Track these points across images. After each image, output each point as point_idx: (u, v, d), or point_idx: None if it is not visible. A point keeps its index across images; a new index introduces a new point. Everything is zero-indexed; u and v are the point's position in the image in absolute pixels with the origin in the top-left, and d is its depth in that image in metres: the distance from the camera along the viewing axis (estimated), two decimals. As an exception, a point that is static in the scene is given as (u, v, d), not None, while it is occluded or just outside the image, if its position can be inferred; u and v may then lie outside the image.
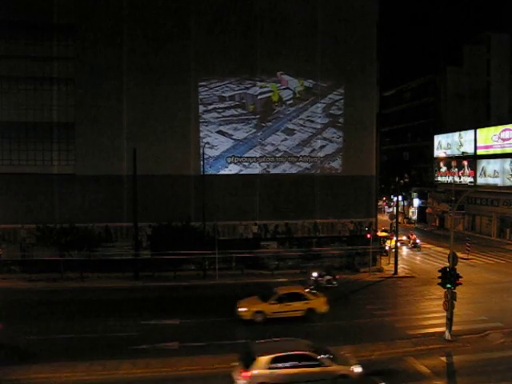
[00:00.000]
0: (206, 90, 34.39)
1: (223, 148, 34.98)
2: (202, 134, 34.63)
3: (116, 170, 33.11)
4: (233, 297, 26.00)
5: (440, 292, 23.33)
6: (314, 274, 29.07)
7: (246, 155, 35.26)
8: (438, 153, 56.17)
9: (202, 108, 34.50)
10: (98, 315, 23.47)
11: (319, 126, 35.94)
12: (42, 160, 32.77)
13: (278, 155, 35.58)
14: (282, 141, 35.70)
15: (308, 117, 35.81)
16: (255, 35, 34.49)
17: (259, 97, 35.22)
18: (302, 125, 35.79)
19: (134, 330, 20.94)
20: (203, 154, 33.42)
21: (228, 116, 34.95)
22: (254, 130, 35.34)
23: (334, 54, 35.38)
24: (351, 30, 35.55)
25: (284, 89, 35.44)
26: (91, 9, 32.81)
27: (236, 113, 35.06)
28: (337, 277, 29.76)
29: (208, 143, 34.65)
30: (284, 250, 34.90)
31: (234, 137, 35.19)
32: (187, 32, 33.73)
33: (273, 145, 35.61)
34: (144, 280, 30.98)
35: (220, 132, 34.95)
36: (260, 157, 35.11)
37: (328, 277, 29.14)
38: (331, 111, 36.01)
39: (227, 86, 34.63)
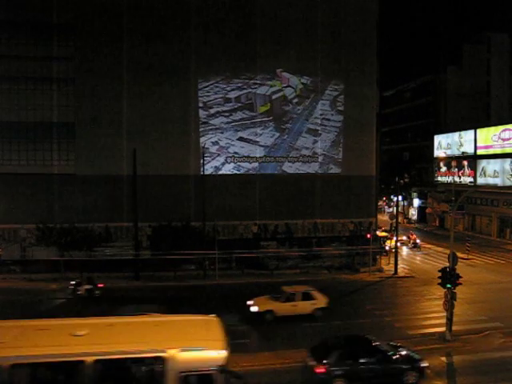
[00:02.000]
0: (208, 92, 34.31)
1: (258, 156, 34.99)
2: (222, 144, 34.38)
3: (116, 170, 33.11)
4: (233, 297, 26.04)
5: (440, 292, 23.34)
6: (72, 282, 27.06)
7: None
8: (438, 153, 56.18)
9: (204, 113, 34.24)
10: (97, 315, 23.40)
11: (339, 124, 35.91)
12: (42, 160, 32.78)
13: (320, 159, 35.62)
14: (314, 143, 35.59)
15: (321, 115, 35.71)
16: (255, 34, 34.49)
17: (273, 96, 35.10)
18: (321, 124, 35.65)
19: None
20: (203, 153, 33.41)
21: (238, 120, 34.65)
22: (278, 134, 35.17)
23: (334, 54, 35.39)
24: (351, 29, 35.54)
25: (286, 87, 35.44)
26: (91, 9, 32.80)
27: (246, 116, 34.84)
28: (99, 286, 27.06)
29: (236, 153, 34.49)
30: (284, 250, 34.90)
31: (260, 143, 34.96)
32: (187, 31, 33.73)
33: (307, 148, 35.51)
34: (144, 280, 30.96)
35: (241, 139, 34.68)
36: (260, 157, 35.09)
37: (88, 286, 26.63)
38: (338, 107, 36.00)
39: (229, 86, 34.55)
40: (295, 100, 35.46)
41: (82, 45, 32.82)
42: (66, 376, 10.03)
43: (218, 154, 34.31)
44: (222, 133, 34.57)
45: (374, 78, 36.24)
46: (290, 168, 35.41)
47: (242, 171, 34.81)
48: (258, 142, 34.99)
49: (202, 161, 33.27)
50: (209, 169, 34.17)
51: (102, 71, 32.96)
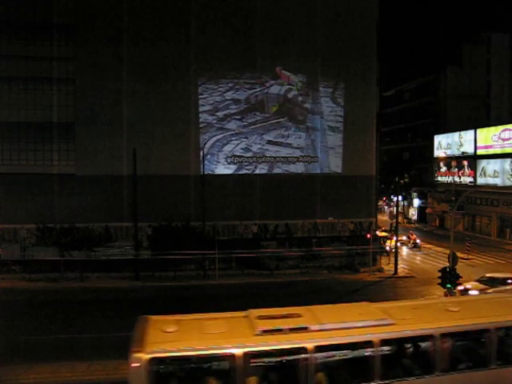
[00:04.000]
0: (204, 91, 34.29)
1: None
2: (256, 149, 34.60)
3: (116, 170, 33.11)
4: (233, 296, 26.04)
5: (440, 292, 23.36)
6: None
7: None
8: (438, 153, 56.17)
9: (212, 117, 34.21)
10: (97, 315, 23.47)
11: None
12: (42, 160, 32.77)
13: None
14: (342, 140, 35.72)
15: (331, 112, 35.69)
16: (255, 34, 34.47)
17: (289, 95, 35.07)
18: (337, 121, 35.67)
19: (134, 330, 20.89)
20: (203, 153, 33.43)
21: (254, 122, 34.56)
22: (304, 134, 35.19)
23: (334, 54, 35.35)
24: (351, 29, 35.52)
25: (287, 85, 35.41)
26: (91, 9, 32.79)
27: (260, 118, 34.69)
28: None
29: (279, 158, 34.61)
30: (284, 250, 34.88)
31: (293, 145, 34.95)
32: (187, 32, 33.72)
33: (340, 146, 35.68)
34: (144, 280, 30.96)
35: (271, 142, 34.67)
36: (260, 157, 35.09)
37: None
38: (341, 104, 35.96)
39: (227, 86, 34.53)
40: (299, 98, 35.50)
41: (82, 45, 32.80)
42: (477, 340, 12.26)
43: (256, 161, 34.69)
44: (246, 138, 34.55)
45: (373, 78, 36.22)
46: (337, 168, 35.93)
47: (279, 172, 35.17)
48: (290, 144, 35.00)
49: (201, 160, 33.27)
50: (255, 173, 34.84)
51: (102, 71, 32.95)
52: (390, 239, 39.43)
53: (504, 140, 45.81)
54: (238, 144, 34.50)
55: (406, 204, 66.18)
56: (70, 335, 20.31)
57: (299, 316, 11.66)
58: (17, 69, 32.30)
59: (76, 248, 31.34)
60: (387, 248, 38.56)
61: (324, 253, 34.87)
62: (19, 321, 22.02)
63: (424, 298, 27.64)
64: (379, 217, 45.39)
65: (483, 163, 48.77)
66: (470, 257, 38.46)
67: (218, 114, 34.40)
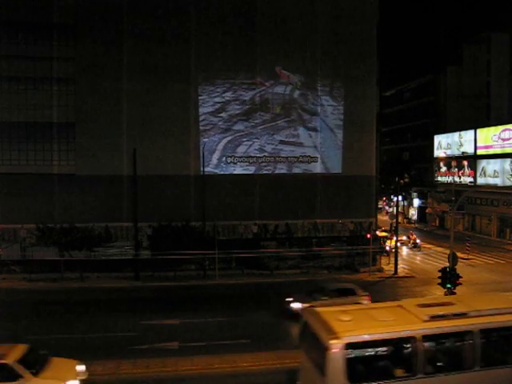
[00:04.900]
0: (203, 92, 34.30)
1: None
2: (270, 149, 34.77)
3: (116, 170, 33.10)
4: (233, 296, 26.04)
5: (440, 292, 23.36)
6: None
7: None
8: (438, 153, 56.18)
9: (216, 119, 34.19)
10: (97, 315, 23.48)
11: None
12: (42, 160, 32.76)
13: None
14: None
15: (332, 112, 35.72)
16: (255, 35, 34.45)
17: (294, 95, 35.18)
18: (340, 119, 35.74)
19: (133, 330, 20.93)
20: (203, 153, 33.43)
21: (261, 122, 34.62)
22: (313, 133, 35.30)
23: (334, 54, 35.34)
24: (351, 30, 35.50)
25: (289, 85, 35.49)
26: (91, 9, 32.79)
27: (266, 118, 34.75)
28: None
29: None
30: (284, 250, 34.89)
31: (305, 144, 35.13)
32: (187, 32, 33.73)
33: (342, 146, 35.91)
34: (144, 280, 30.97)
35: (283, 142, 34.82)
36: (260, 157, 35.10)
37: None
38: (341, 104, 36.06)
39: (229, 86, 34.55)
40: (302, 98, 35.52)
41: (82, 45, 32.79)
42: None
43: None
44: (257, 138, 34.61)
45: (373, 78, 36.22)
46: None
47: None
48: (301, 143, 35.13)
49: (201, 160, 33.29)
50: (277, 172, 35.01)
51: (102, 71, 32.95)
52: (390, 239, 39.45)
53: (504, 140, 45.82)
54: (251, 145, 34.60)
55: (405, 204, 66.18)
56: (70, 335, 20.33)
57: (452, 304, 12.69)
58: (17, 69, 32.30)
59: (76, 248, 31.36)
60: (387, 248, 38.58)
61: (324, 253, 34.88)
62: (19, 321, 22.04)
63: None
64: (379, 217, 45.40)
65: (483, 163, 48.78)
66: (470, 257, 38.48)
67: (222, 114, 34.41)
